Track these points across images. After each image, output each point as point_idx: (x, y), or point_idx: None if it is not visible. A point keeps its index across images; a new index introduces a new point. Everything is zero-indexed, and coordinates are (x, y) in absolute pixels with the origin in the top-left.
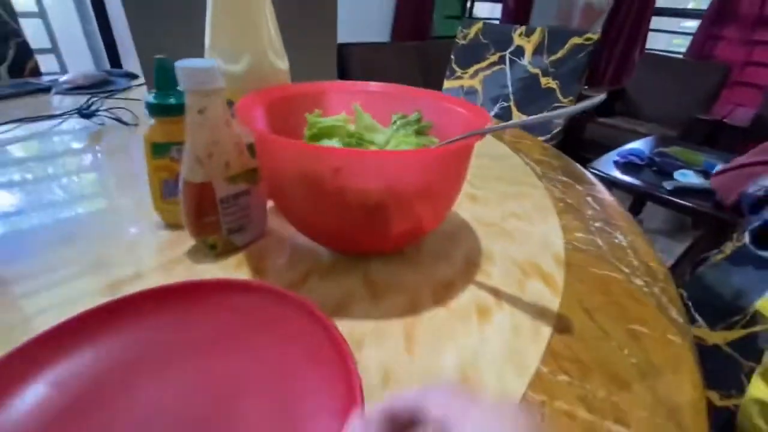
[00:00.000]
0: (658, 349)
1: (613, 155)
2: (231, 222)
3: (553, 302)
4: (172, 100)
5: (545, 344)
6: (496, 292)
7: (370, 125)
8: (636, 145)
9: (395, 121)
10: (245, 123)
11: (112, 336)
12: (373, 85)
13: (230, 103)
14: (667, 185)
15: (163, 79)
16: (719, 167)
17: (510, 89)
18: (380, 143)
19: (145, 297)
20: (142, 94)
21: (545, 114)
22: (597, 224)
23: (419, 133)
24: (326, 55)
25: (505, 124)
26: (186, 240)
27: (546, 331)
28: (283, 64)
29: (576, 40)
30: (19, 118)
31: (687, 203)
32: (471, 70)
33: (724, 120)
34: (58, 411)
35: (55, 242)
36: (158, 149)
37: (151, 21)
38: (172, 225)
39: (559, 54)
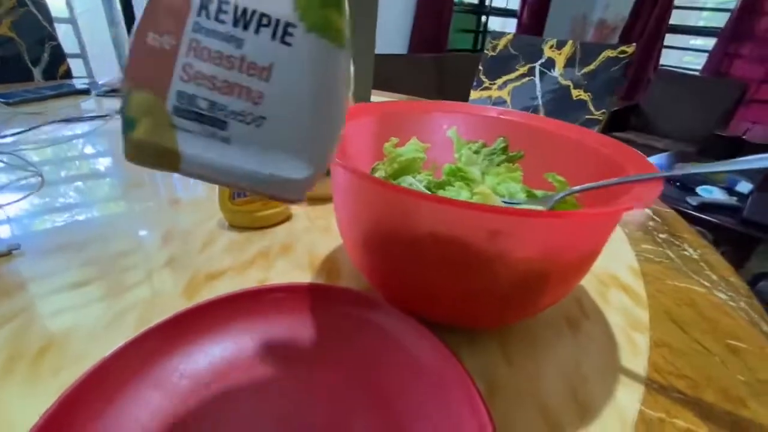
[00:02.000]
0: (762, 365)
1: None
2: (195, 83)
3: (641, 314)
4: None
5: (646, 358)
6: (579, 302)
7: (469, 158)
8: (655, 159)
9: (477, 151)
10: None
11: (215, 337)
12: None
13: None
14: (692, 201)
15: None
16: None
17: (540, 101)
18: (477, 179)
19: (240, 298)
20: None
21: (739, 160)
22: (662, 236)
23: (509, 165)
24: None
25: (686, 168)
26: (256, 240)
27: (642, 343)
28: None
29: (610, 53)
30: (64, 118)
31: (714, 219)
32: (500, 81)
33: (743, 137)
34: (160, 414)
35: (111, 242)
36: None
37: None
38: (237, 227)
39: (592, 66)
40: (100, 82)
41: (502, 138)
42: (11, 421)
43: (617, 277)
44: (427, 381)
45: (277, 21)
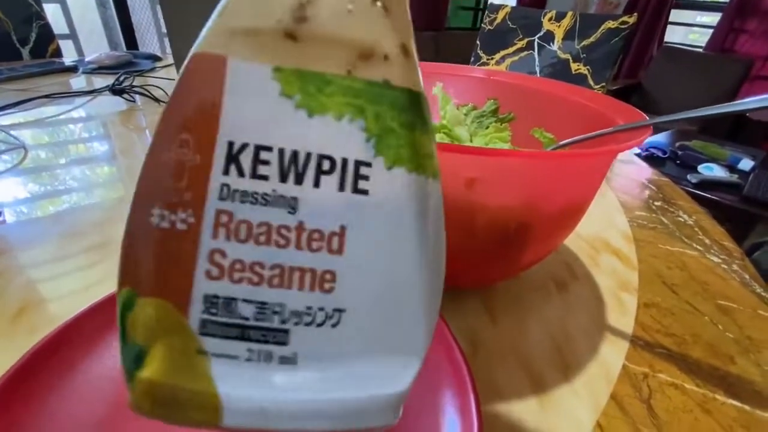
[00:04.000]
0: (753, 324)
1: (633, 149)
2: (231, 279)
3: (631, 276)
4: None
5: (633, 317)
6: (568, 266)
7: (455, 116)
8: (656, 138)
9: (466, 114)
10: None
11: None
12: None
13: None
14: (692, 178)
15: None
16: None
17: (538, 75)
18: (465, 140)
19: None
20: (167, 74)
21: (722, 105)
22: (657, 203)
23: (497, 125)
24: None
25: (674, 115)
26: None
27: (631, 303)
28: None
29: (610, 24)
30: (49, 94)
31: (713, 197)
32: (497, 56)
33: (747, 115)
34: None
35: (93, 211)
36: None
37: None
38: None
39: (592, 39)
40: (87, 60)
41: (492, 100)
42: None
43: (609, 242)
44: None
45: (344, 162)
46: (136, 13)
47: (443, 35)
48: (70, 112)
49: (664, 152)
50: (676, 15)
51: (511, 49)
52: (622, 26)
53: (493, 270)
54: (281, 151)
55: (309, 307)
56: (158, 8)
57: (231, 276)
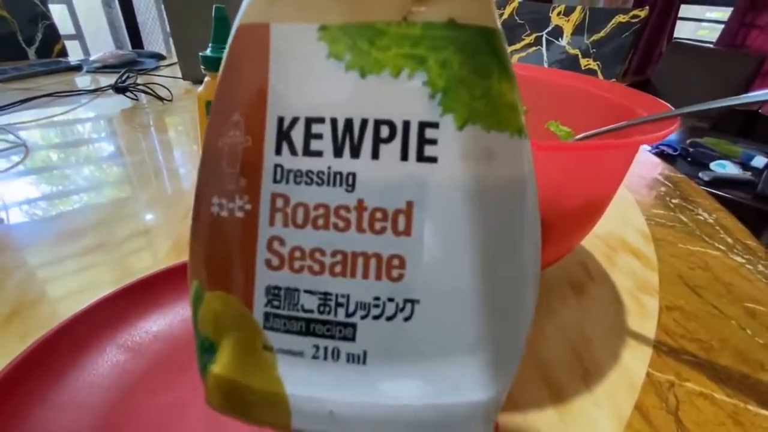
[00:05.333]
0: None
1: (644, 146)
2: (292, 267)
3: (650, 277)
4: None
5: (655, 321)
6: (584, 266)
7: None
8: None
9: None
10: None
11: (186, 299)
12: None
13: None
14: (704, 176)
15: (221, 31)
16: None
17: None
18: None
19: None
20: (171, 72)
21: (743, 96)
22: (675, 201)
23: None
24: None
25: (702, 105)
26: None
27: (652, 306)
28: None
29: (621, 18)
30: (53, 92)
31: (726, 194)
32: None
33: (759, 111)
34: (130, 378)
35: (107, 206)
36: None
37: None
38: None
39: (602, 33)
40: (91, 59)
41: None
42: None
43: (626, 241)
44: None
45: (406, 126)
46: (142, 13)
47: None
48: (73, 110)
49: (675, 149)
50: (685, 10)
51: (518, 45)
52: (633, 20)
53: None
54: (334, 122)
55: (377, 298)
56: (163, 8)
57: (291, 265)
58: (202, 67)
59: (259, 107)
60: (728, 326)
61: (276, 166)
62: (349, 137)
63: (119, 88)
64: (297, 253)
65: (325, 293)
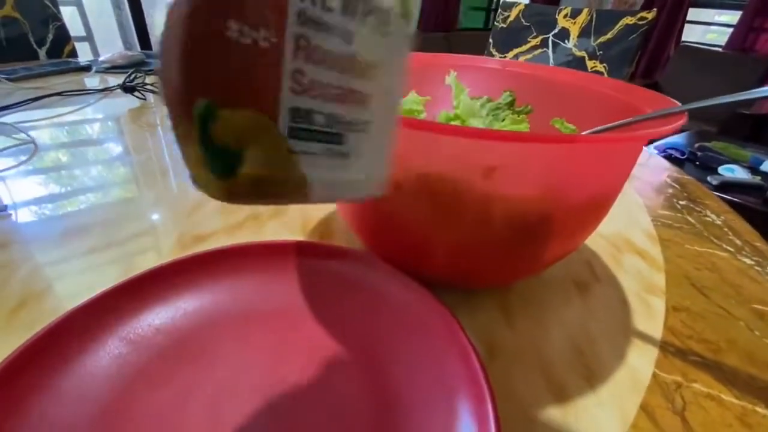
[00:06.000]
0: None
1: (650, 149)
2: (313, 93)
3: (657, 277)
4: None
5: (661, 321)
6: (589, 266)
7: (469, 106)
8: (674, 139)
9: (482, 105)
10: None
11: (189, 293)
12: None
13: None
14: (712, 180)
15: None
16: None
17: None
18: None
19: (226, 253)
20: None
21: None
22: (682, 202)
23: (513, 117)
24: None
25: (710, 101)
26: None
27: (658, 306)
28: None
29: (628, 20)
30: (62, 91)
31: (735, 199)
32: (510, 55)
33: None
34: (131, 370)
35: (114, 204)
36: None
37: None
38: None
39: (609, 35)
40: (100, 59)
41: (508, 92)
42: None
43: (632, 241)
44: (421, 341)
45: (379, 6)
46: (150, 14)
47: (454, 36)
48: (82, 109)
49: (683, 153)
50: (693, 14)
51: (524, 47)
52: (641, 22)
53: (511, 268)
54: None
55: (356, 119)
56: None
57: (309, 92)
58: None
59: None
60: (736, 327)
61: (300, 11)
62: (350, 2)
63: (127, 88)
64: (315, 85)
65: (331, 113)
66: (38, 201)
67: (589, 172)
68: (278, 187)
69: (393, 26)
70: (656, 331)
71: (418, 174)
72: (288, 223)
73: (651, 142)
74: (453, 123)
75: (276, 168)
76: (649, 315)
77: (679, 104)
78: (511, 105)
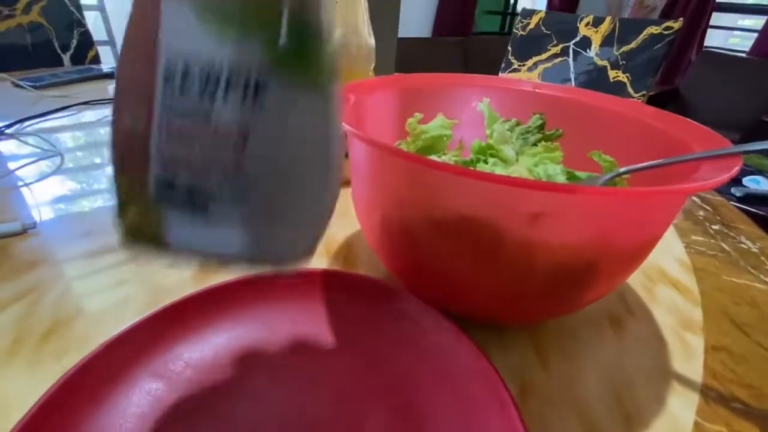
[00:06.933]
0: None
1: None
2: (173, 158)
3: (693, 312)
4: None
5: (701, 362)
6: (622, 298)
7: (501, 135)
8: None
9: (510, 129)
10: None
11: (217, 325)
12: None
13: None
14: (736, 192)
15: None
16: None
17: (573, 83)
18: (512, 160)
19: (252, 283)
20: None
21: None
22: (715, 227)
23: (546, 144)
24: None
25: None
26: None
27: (697, 345)
28: (372, 41)
29: (653, 29)
30: (88, 101)
31: (760, 212)
32: (530, 63)
33: None
34: (162, 406)
35: None
36: None
37: None
38: None
39: (632, 45)
40: None
41: (538, 115)
42: (9, 406)
43: (665, 271)
44: (452, 380)
45: (247, 79)
46: None
47: (470, 41)
48: (106, 118)
49: None
50: (715, 18)
51: (544, 56)
52: (666, 32)
53: (548, 310)
54: (200, 72)
55: (221, 189)
56: None
57: (172, 164)
58: None
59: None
60: None
61: (162, 99)
62: (208, 83)
63: None
64: (175, 158)
65: (192, 184)
66: (64, 213)
67: (638, 220)
68: (147, 242)
69: (270, 94)
70: (696, 373)
71: (458, 216)
72: None
73: None
74: (486, 154)
75: (145, 224)
76: (688, 354)
77: (731, 144)
78: (540, 128)
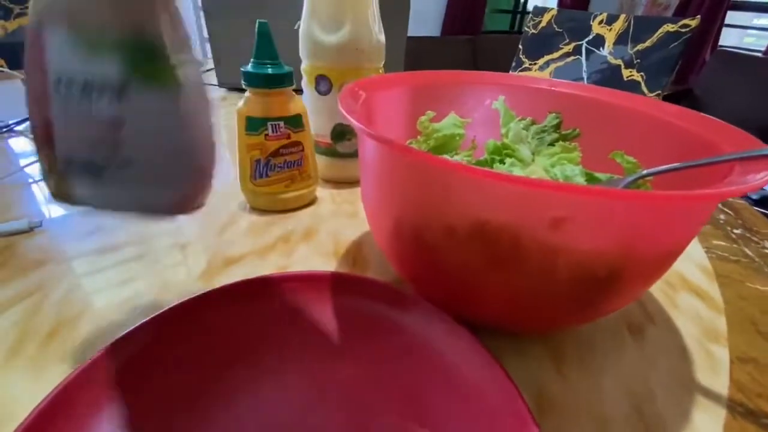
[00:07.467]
0: None
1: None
2: (68, 143)
3: (717, 321)
4: (269, 70)
5: (727, 375)
6: (642, 306)
7: (517, 134)
8: None
9: (525, 128)
10: (354, 119)
11: (224, 327)
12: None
13: (322, 79)
14: (752, 194)
15: (263, 47)
16: None
17: (585, 82)
18: (528, 160)
19: (259, 283)
20: (207, 79)
21: None
22: (737, 231)
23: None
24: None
25: None
26: (278, 223)
27: (722, 356)
28: (382, 37)
29: (669, 27)
30: None
31: None
32: (541, 61)
33: None
34: (165, 405)
35: (130, 225)
36: (253, 125)
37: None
38: (258, 210)
39: (647, 43)
40: None
41: (554, 114)
42: (12, 405)
43: (686, 277)
44: (466, 391)
45: (112, 86)
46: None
47: (480, 39)
48: None
49: None
50: (730, 17)
51: (556, 54)
52: (683, 29)
53: (568, 318)
54: (80, 81)
55: (109, 159)
56: (201, 14)
57: (70, 143)
58: (243, 82)
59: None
60: None
61: (56, 99)
62: (87, 88)
63: None
64: (72, 139)
65: (88, 156)
66: (72, 214)
67: (668, 226)
68: (65, 197)
69: (132, 94)
70: (722, 386)
71: (475, 220)
72: (319, 246)
73: None
74: (502, 154)
75: (60, 186)
76: (713, 367)
77: (765, 145)
78: (557, 128)
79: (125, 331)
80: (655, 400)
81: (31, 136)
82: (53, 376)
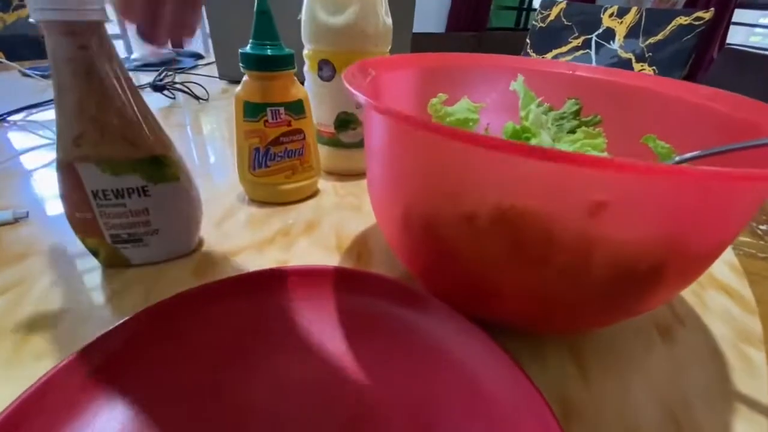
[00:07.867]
0: None
1: None
2: (115, 229)
3: (751, 322)
4: (269, 52)
5: (765, 380)
6: (670, 305)
7: (538, 117)
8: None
9: (544, 113)
10: (360, 93)
11: (224, 321)
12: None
13: (325, 64)
14: None
15: (262, 26)
16: None
17: None
18: (549, 146)
19: (260, 277)
20: (209, 72)
21: None
22: (763, 227)
23: (587, 130)
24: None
25: None
26: (278, 216)
27: (759, 360)
28: (389, 20)
29: (682, 20)
30: None
31: None
32: (549, 56)
33: None
34: (156, 402)
35: None
36: (251, 110)
37: None
38: (260, 201)
39: (659, 36)
40: (131, 57)
41: (573, 100)
42: None
43: (714, 275)
44: (483, 396)
45: (136, 188)
46: None
47: (486, 35)
48: None
49: None
50: (737, 14)
51: (565, 48)
52: (696, 22)
53: (597, 319)
54: (112, 190)
55: (146, 231)
56: (203, 8)
57: (114, 227)
58: (240, 64)
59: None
60: None
61: (97, 204)
62: (118, 193)
63: (157, 87)
64: (115, 225)
65: (129, 233)
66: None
67: (726, 212)
68: (119, 262)
69: (151, 190)
70: (761, 392)
71: (498, 205)
72: (321, 240)
73: None
74: (522, 138)
75: (112, 255)
76: (751, 372)
77: None
78: (576, 114)
79: (108, 329)
80: (692, 408)
81: (72, 226)
82: (30, 372)
